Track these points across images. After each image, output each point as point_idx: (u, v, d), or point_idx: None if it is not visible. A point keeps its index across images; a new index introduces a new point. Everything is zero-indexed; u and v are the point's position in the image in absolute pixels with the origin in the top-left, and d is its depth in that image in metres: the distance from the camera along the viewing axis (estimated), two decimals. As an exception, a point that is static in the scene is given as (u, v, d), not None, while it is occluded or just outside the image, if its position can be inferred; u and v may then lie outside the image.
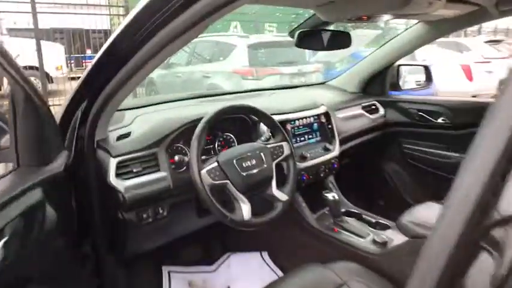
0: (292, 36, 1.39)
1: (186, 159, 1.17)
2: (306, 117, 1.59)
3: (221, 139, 1.40)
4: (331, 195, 1.44)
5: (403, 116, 2.08)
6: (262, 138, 1.33)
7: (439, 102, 1.96)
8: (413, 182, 2.13)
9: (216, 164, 1.12)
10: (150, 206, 1.18)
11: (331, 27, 1.45)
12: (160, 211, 1.20)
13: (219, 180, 1.10)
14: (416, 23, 1.77)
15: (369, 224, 1.49)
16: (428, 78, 2.22)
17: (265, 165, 1.20)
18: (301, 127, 1.58)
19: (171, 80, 5.40)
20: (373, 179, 2.24)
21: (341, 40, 1.37)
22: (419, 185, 2.10)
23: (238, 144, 1.43)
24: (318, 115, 1.64)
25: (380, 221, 1.49)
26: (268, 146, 1.26)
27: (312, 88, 2.20)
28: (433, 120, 1.97)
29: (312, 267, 1.22)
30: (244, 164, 1.15)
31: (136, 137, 1.21)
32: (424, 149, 2.03)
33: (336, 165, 1.67)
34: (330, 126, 1.68)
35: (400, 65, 2.11)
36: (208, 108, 1.24)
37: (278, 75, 4.67)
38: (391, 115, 2.10)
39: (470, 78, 7.01)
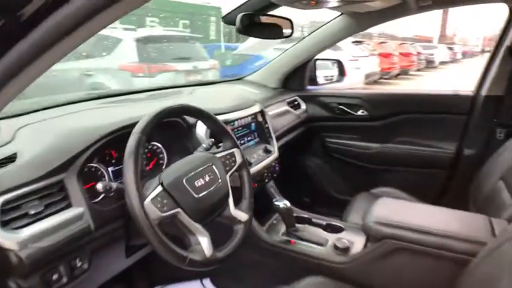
0: (226, 21, 1.16)
1: (114, 185, 0.84)
2: (243, 117, 1.38)
3: (145, 151, 1.10)
4: (282, 203, 1.28)
5: (325, 111, 2.06)
6: (204, 145, 1.07)
7: (358, 95, 1.99)
8: (337, 175, 2.13)
9: (160, 188, 0.83)
10: (62, 261, 0.82)
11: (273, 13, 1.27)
12: (78, 264, 0.85)
13: (169, 210, 0.82)
14: (337, 16, 1.73)
15: (321, 227, 1.38)
16: (341, 72, 2.25)
17: (220, 181, 0.95)
18: (240, 128, 1.37)
19: (42, 80, 4.48)
20: (298, 176, 2.17)
21: (285, 28, 1.20)
22: (343, 178, 2.12)
23: (168, 156, 1.15)
24: (255, 114, 1.46)
25: (331, 223, 1.39)
26: (218, 155, 1.02)
27: (231, 84, 2.00)
28: (353, 113, 1.99)
29: None
30: (196, 183, 0.89)
31: (27, 161, 0.83)
32: (345, 141, 2.04)
33: (277, 168, 1.52)
34: (266, 125, 1.51)
35: (317, 59, 2.07)
36: (125, 112, 0.95)
37: (172, 72, 4.32)
38: (313, 110, 2.05)
39: (344, 73, 7.89)
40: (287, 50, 1.98)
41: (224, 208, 0.98)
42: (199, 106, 1.03)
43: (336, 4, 1.17)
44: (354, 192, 1.82)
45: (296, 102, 1.99)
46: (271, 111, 1.68)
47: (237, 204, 1.03)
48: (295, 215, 1.42)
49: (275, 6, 1.23)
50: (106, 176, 0.98)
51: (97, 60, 4.47)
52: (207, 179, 0.92)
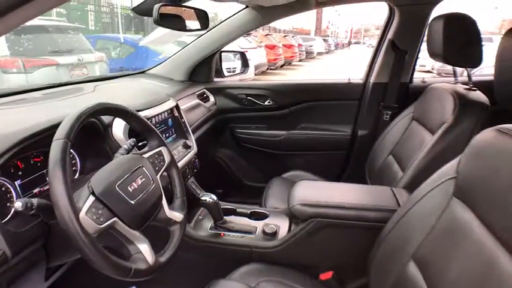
0: (138, 12, 1.09)
1: (34, 201, 0.71)
2: (160, 113, 1.32)
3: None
4: (209, 198, 1.27)
5: (233, 102, 2.09)
6: (125, 147, 0.99)
7: (264, 86, 2.07)
8: (248, 164, 2.21)
9: (92, 198, 0.74)
10: None
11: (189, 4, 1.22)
12: None
13: (105, 221, 0.74)
14: (242, 9, 1.77)
15: (246, 216, 1.41)
16: (245, 63, 2.31)
17: (152, 183, 0.90)
18: (158, 125, 1.30)
19: None
20: (209, 168, 2.17)
21: (201, 20, 1.18)
22: (255, 166, 2.20)
23: (82, 162, 1.03)
24: (171, 109, 1.40)
25: (255, 210, 1.44)
26: (146, 155, 0.95)
27: (134, 78, 1.87)
28: (260, 103, 2.07)
29: (213, 286, 1.05)
30: (130, 188, 0.82)
31: None
32: (254, 131, 2.12)
33: (197, 163, 1.49)
34: (183, 120, 1.47)
35: (222, 52, 2.08)
36: (27, 116, 0.85)
37: (54, 66, 3.80)
38: (222, 102, 2.07)
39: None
40: (192, 42, 1.94)
41: (159, 210, 0.92)
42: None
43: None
44: (266, 179, 1.91)
45: (205, 95, 1.97)
46: (183, 105, 1.63)
47: (169, 204, 0.99)
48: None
49: (190, -4, 1.20)
50: (13, 192, 0.83)
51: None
52: (140, 182, 0.86)
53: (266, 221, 1.37)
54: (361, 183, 1.81)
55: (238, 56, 2.37)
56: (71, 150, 1.01)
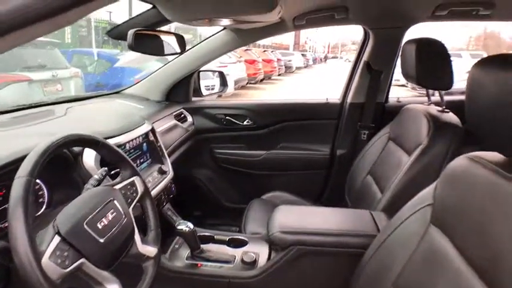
0: (113, 36, 1.06)
1: None
2: (135, 138, 1.27)
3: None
4: (185, 227, 1.23)
5: (211, 122, 2.07)
6: (96, 177, 0.94)
7: (243, 105, 2.06)
8: (227, 185, 2.17)
9: (58, 238, 0.69)
10: None
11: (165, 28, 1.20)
12: None
13: (71, 263, 0.69)
14: (221, 30, 1.76)
15: (225, 243, 1.37)
16: (223, 82, 2.29)
17: (124, 217, 0.85)
18: (132, 151, 1.25)
19: None
20: (187, 190, 2.13)
21: (177, 43, 1.16)
22: (234, 187, 2.17)
23: (50, 193, 0.98)
24: (146, 133, 1.36)
25: (234, 237, 1.40)
26: (117, 187, 0.91)
27: (109, 99, 1.82)
28: (239, 123, 2.06)
29: None
30: (99, 225, 0.77)
31: None
32: (233, 151, 2.09)
33: (173, 189, 1.45)
34: (158, 144, 1.43)
35: (200, 71, 2.07)
36: None
37: (25, 82, 3.67)
38: (200, 122, 2.04)
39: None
40: (170, 62, 1.92)
41: (131, 246, 0.88)
42: (86, 131, 0.89)
43: (227, 23, 1.18)
44: (246, 200, 1.88)
45: (182, 115, 1.94)
46: (159, 127, 1.60)
47: (143, 235, 0.94)
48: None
49: (167, 21, 1.17)
50: None
51: None
52: (110, 217, 0.81)
53: (245, 248, 1.33)
54: (341, 203, 1.81)
55: (216, 74, 2.36)
56: (38, 181, 0.96)
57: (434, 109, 1.42)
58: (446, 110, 1.39)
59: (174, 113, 1.85)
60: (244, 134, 2.08)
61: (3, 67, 3.64)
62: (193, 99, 2.10)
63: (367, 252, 0.99)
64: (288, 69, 17.83)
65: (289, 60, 18.13)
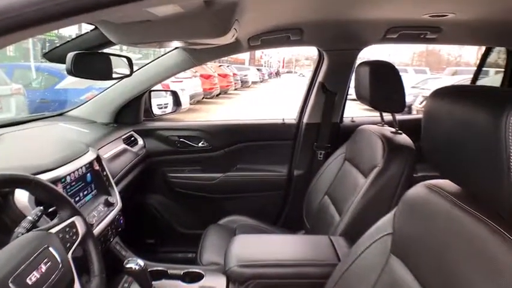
0: (50, 58, 0.96)
1: None
2: (78, 169, 1.16)
3: None
4: (135, 264, 1.12)
5: (164, 144, 1.97)
6: (30, 218, 0.83)
7: (198, 126, 1.99)
8: (182, 210, 2.07)
9: None
10: None
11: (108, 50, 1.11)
12: None
13: None
14: (173, 49, 1.69)
15: (179, 278, 1.28)
16: (177, 102, 2.21)
17: (61, 266, 0.75)
18: (74, 184, 1.13)
19: None
20: (139, 216, 2.00)
21: (121, 66, 1.07)
22: (189, 212, 2.07)
23: None
24: (91, 162, 1.24)
25: (189, 270, 1.32)
26: (54, 230, 0.80)
27: (52, 122, 1.66)
28: (194, 145, 1.98)
29: None
30: (29, 280, 0.66)
31: None
32: (188, 174, 2.01)
33: (122, 221, 1.33)
34: (104, 173, 1.32)
35: (151, 91, 1.98)
36: None
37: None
38: (152, 144, 1.94)
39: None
40: (118, 82, 1.81)
41: None
42: (19, 165, 0.78)
43: (178, 45, 1.12)
44: (202, 225, 1.80)
45: (132, 138, 1.83)
46: (106, 154, 1.48)
47: (87, 278, 0.84)
48: (149, 269, 1.27)
49: (111, 43, 1.08)
50: None
51: None
52: (44, 268, 0.70)
53: (201, 283, 1.25)
54: (299, 225, 1.78)
55: (168, 93, 2.27)
56: None
57: (387, 130, 1.44)
58: (399, 132, 1.42)
59: (123, 136, 1.74)
60: (200, 156, 2.00)
61: None
62: (144, 120, 2.00)
63: (328, 283, 0.95)
64: (244, 83, 17.97)
65: (245, 75, 18.30)
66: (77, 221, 0.87)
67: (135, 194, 1.93)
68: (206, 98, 11.61)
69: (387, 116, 1.50)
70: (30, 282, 0.66)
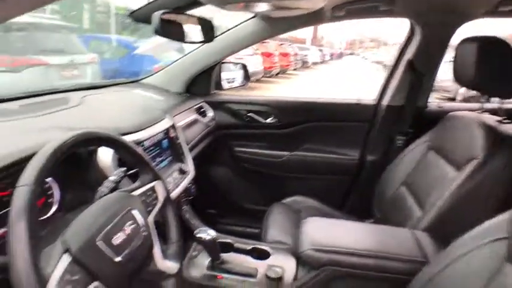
0: (135, 19, 0.93)
1: None
2: (155, 135, 1.15)
3: None
4: (206, 234, 1.10)
5: (233, 118, 1.94)
6: (112, 178, 0.83)
7: (267, 102, 1.92)
8: (246, 185, 2.04)
9: (68, 258, 0.58)
10: None
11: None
12: None
13: (83, 287, 0.57)
14: (249, 19, 1.62)
15: (246, 253, 1.25)
16: (246, 76, 2.15)
17: (142, 230, 0.73)
18: (152, 148, 1.13)
19: None
20: (203, 188, 2.01)
21: (205, 31, 1.02)
22: (253, 188, 2.04)
23: (62, 193, 0.86)
24: (167, 129, 1.23)
25: (256, 246, 1.28)
26: (136, 193, 0.79)
27: (127, 88, 1.70)
28: (262, 120, 1.92)
29: None
30: (115, 241, 0.65)
31: None
32: (255, 150, 1.96)
33: (193, 190, 1.33)
34: (178, 141, 1.31)
35: (223, 63, 1.93)
36: None
37: (43, 66, 3.59)
38: (221, 117, 1.91)
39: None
40: (192, 51, 1.78)
41: (149, 262, 0.76)
42: (102, 126, 0.77)
43: (264, 8, 1.04)
44: (264, 202, 1.75)
45: (203, 109, 1.81)
46: (180, 122, 1.47)
47: (163, 244, 0.82)
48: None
49: (196, 5, 1.04)
50: None
51: None
52: (128, 230, 0.69)
53: (269, 261, 1.20)
54: (366, 213, 1.67)
55: (238, 66, 2.22)
56: (47, 179, 0.85)
57: (490, 119, 1.26)
58: (506, 121, 1.23)
59: (195, 107, 1.73)
60: (267, 132, 1.94)
61: (22, 50, 3.57)
62: (215, 92, 1.97)
63: (414, 282, 0.85)
64: (304, 64, 17.54)
65: (305, 55, 17.82)
66: (158, 185, 0.85)
67: (202, 165, 1.94)
68: (265, 77, 11.52)
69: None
70: (115, 243, 0.65)
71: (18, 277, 0.51)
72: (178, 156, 1.29)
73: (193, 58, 1.76)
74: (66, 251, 0.58)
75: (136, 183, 0.82)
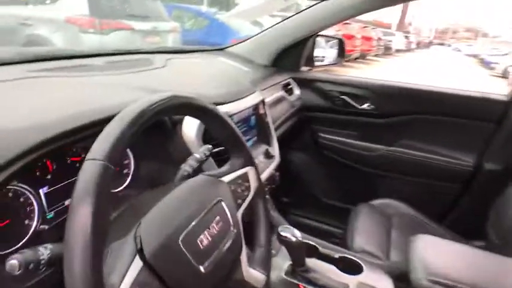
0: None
1: (45, 254, 0.42)
2: (245, 109, 0.98)
3: None
4: (291, 235, 0.91)
5: (322, 99, 1.70)
6: (197, 156, 0.67)
7: (367, 84, 1.65)
8: (328, 177, 1.82)
9: (139, 263, 0.43)
10: None
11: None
12: None
13: None
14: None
15: (333, 263, 1.05)
16: (341, 53, 1.90)
17: (232, 229, 0.57)
18: (239, 125, 0.97)
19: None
20: (280, 175, 1.84)
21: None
22: (335, 181, 1.82)
23: (136, 165, 0.74)
24: (257, 105, 1.06)
25: (345, 256, 1.07)
26: (226, 179, 0.62)
27: (211, 55, 1.55)
28: (356, 105, 1.66)
29: None
30: (201, 243, 0.49)
31: None
32: (343, 139, 1.72)
33: (277, 178, 1.15)
34: (267, 120, 1.13)
35: (317, 36, 1.70)
36: (82, 92, 0.63)
37: (128, 30, 3.67)
38: (308, 97, 1.69)
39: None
40: (283, 21, 1.57)
41: (235, 270, 0.60)
42: (189, 92, 0.61)
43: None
44: (347, 199, 1.52)
45: (290, 87, 1.61)
46: (267, 98, 1.29)
47: (249, 256, 0.65)
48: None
49: None
50: (35, 204, 0.55)
51: (39, 8, 3.67)
52: (216, 229, 0.53)
53: (361, 277, 0.99)
54: (475, 232, 1.36)
55: (330, 43, 1.96)
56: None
57: None
58: None
59: (282, 83, 1.53)
60: (361, 120, 1.68)
61: (109, 12, 3.69)
62: (305, 68, 1.75)
63: None
64: (387, 50, 16.32)
65: (389, 41, 16.56)
66: (251, 173, 0.67)
67: (281, 148, 1.77)
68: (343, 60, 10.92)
69: None
70: (201, 245, 0.49)
71: (72, 283, 0.36)
72: (265, 137, 1.11)
73: (285, 28, 1.55)
74: (138, 251, 0.43)
75: (225, 167, 0.65)
